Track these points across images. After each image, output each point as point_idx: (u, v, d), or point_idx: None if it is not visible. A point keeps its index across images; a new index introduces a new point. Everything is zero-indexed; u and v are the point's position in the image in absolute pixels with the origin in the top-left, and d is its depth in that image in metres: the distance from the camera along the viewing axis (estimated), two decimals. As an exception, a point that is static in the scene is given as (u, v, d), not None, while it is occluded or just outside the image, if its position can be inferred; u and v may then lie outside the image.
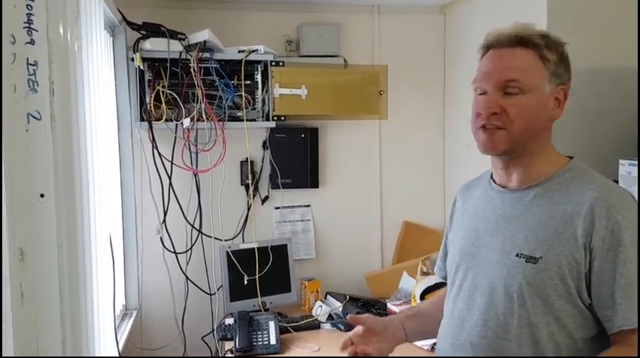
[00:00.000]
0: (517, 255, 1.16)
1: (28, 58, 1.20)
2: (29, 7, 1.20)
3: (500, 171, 1.28)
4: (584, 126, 2.31)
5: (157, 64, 2.55)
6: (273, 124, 2.74)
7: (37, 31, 1.21)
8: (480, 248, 1.25)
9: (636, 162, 1.91)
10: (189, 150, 2.72)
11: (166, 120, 2.56)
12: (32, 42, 1.20)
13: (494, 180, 1.31)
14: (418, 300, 2.37)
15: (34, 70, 1.20)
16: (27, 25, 1.20)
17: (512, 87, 1.17)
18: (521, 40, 1.21)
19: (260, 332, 2.39)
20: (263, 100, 2.74)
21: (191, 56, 2.54)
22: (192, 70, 2.55)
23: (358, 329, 1.38)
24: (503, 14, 2.64)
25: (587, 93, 2.30)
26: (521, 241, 1.16)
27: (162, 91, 2.54)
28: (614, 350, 1.10)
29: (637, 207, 1.12)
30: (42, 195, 1.22)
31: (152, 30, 2.52)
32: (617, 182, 2.01)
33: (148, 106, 2.54)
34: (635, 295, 1.06)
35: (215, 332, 2.67)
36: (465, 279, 1.27)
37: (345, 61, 2.95)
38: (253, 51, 2.66)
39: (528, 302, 1.14)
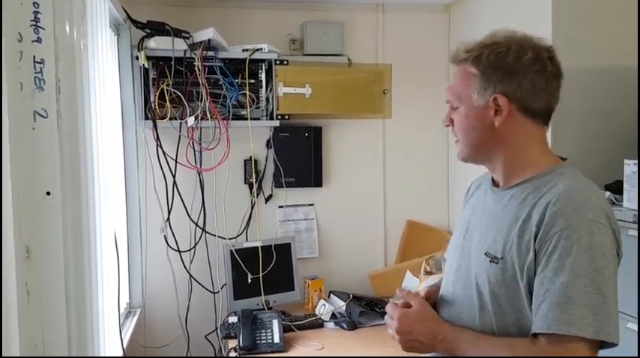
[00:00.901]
0: (485, 254, 1.19)
1: (34, 56, 1.20)
2: (36, 5, 1.20)
3: (490, 171, 1.33)
4: (589, 125, 2.31)
5: (161, 63, 2.56)
6: (277, 123, 2.75)
7: (43, 29, 1.21)
8: (468, 241, 1.29)
9: (641, 161, 1.91)
10: (194, 148, 2.72)
11: (171, 118, 2.56)
12: (39, 40, 1.21)
13: (493, 180, 1.34)
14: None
15: (40, 68, 1.21)
16: (34, 23, 1.20)
17: (452, 103, 1.27)
18: (454, 59, 1.27)
19: (264, 331, 2.40)
20: (267, 99, 2.74)
21: (195, 55, 2.54)
22: (196, 69, 2.55)
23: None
24: (508, 12, 2.63)
25: (593, 92, 2.30)
26: (491, 241, 1.20)
27: (167, 90, 2.54)
28: (522, 341, 1.13)
29: (597, 217, 1.10)
30: (48, 193, 1.22)
31: (157, 28, 2.52)
32: (621, 182, 2.00)
33: (153, 105, 2.55)
34: (557, 303, 1.06)
35: (219, 330, 2.68)
36: (455, 268, 1.31)
37: (349, 59, 2.95)
38: (257, 49, 2.66)
39: (490, 300, 1.17)
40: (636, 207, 1.89)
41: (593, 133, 2.30)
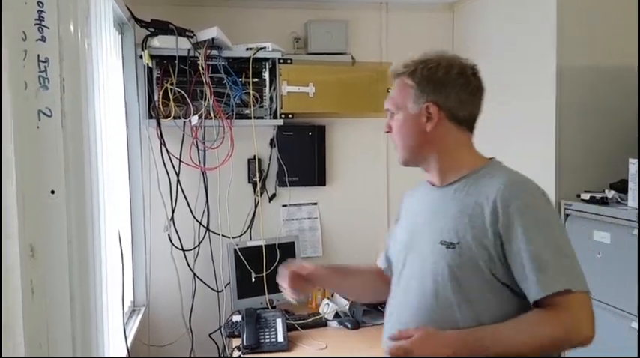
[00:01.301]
0: (440, 243, 1.30)
1: (39, 55, 1.21)
2: (40, 5, 1.20)
3: (426, 172, 1.47)
4: (592, 124, 2.30)
5: (165, 62, 2.56)
6: (280, 122, 2.75)
7: (48, 28, 1.21)
8: (417, 240, 1.40)
9: (646, 160, 1.90)
10: (197, 147, 2.73)
11: (174, 117, 2.56)
12: (43, 39, 1.21)
13: (429, 181, 1.48)
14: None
15: (45, 67, 1.21)
16: (38, 22, 1.20)
17: (391, 111, 1.43)
18: (393, 73, 1.45)
19: (267, 330, 2.40)
20: (271, 98, 2.75)
21: (199, 54, 2.54)
22: (200, 68, 2.55)
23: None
24: (512, 11, 2.63)
25: (596, 90, 2.30)
26: (444, 230, 1.31)
27: (171, 89, 2.55)
28: (536, 313, 1.22)
29: (538, 193, 1.29)
30: (52, 192, 1.22)
31: (160, 27, 2.52)
32: (626, 181, 2.00)
33: (157, 104, 2.55)
34: (543, 266, 1.20)
35: (222, 329, 2.68)
36: (404, 268, 1.42)
37: (352, 58, 2.95)
38: (261, 48, 2.66)
39: (450, 284, 1.28)
40: (641, 206, 1.88)
41: (597, 132, 2.30)
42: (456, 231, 1.29)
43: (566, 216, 2.23)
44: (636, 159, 1.93)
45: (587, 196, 2.15)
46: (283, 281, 1.59)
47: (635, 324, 1.86)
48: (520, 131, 2.56)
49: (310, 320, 2.57)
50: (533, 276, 1.20)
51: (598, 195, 2.11)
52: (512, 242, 1.23)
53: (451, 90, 1.37)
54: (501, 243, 1.24)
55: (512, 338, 1.22)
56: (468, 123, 1.42)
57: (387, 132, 1.45)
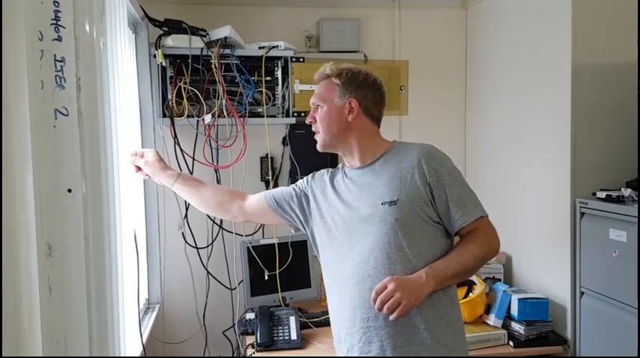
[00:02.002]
0: (382, 203, 1.64)
1: (55, 55, 1.21)
2: (56, 4, 1.21)
3: (346, 158, 1.81)
4: (609, 122, 2.28)
5: (178, 61, 2.57)
6: (293, 120, 2.75)
7: (64, 27, 1.22)
8: (352, 211, 1.70)
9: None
10: (210, 146, 2.74)
11: (188, 116, 2.58)
12: (59, 39, 1.22)
13: (346, 166, 1.82)
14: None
15: (61, 67, 1.21)
16: (54, 22, 1.21)
17: (317, 104, 1.77)
18: (320, 76, 1.80)
19: (281, 328, 2.41)
20: (283, 96, 2.75)
21: (212, 52, 2.55)
22: (213, 67, 2.56)
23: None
24: (526, 8, 2.60)
25: (613, 88, 2.27)
26: (383, 193, 1.65)
27: (184, 88, 2.56)
28: (464, 240, 1.67)
29: (444, 154, 1.72)
30: (69, 190, 1.23)
31: (174, 26, 2.54)
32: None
33: (170, 102, 2.56)
34: (463, 203, 1.64)
35: (236, 326, 2.69)
36: (353, 232, 1.69)
37: (365, 56, 2.94)
38: (274, 47, 2.66)
39: (399, 231, 1.61)
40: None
41: (613, 130, 2.27)
42: (392, 191, 1.64)
43: (582, 214, 2.21)
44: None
45: (603, 194, 2.13)
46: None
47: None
48: (535, 129, 2.54)
49: (324, 318, 2.57)
50: (456, 210, 1.63)
51: (614, 194, 2.09)
52: (439, 189, 1.63)
53: (368, 92, 1.75)
54: (431, 191, 1.63)
55: (457, 262, 1.62)
56: (377, 119, 1.80)
57: (311, 122, 1.79)
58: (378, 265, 1.62)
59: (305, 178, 1.94)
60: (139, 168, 2.01)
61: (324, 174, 1.89)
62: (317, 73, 1.80)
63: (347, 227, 1.71)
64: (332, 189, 1.81)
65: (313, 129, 1.80)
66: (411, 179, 1.64)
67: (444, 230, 1.68)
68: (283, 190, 1.96)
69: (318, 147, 1.80)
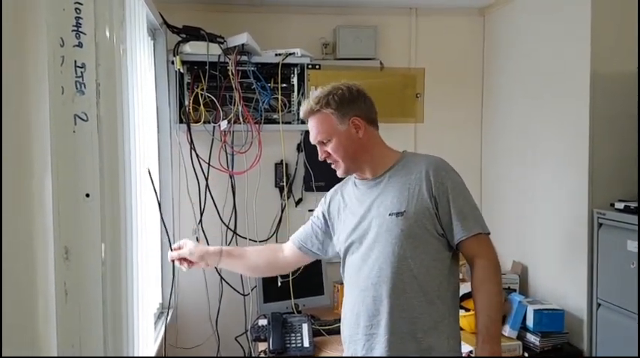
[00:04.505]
0: (390, 214, 1.67)
1: (76, 61, 1.23)
2: (78, 11, 1.23)
3: (359, 174, 1.81)
4: (627, 131, 2.24)
5: (196, 67, 2.59)
6: (308, 127, 2.74)
7: (85, 34, 1.23)
8: (367, 220, 1.72)
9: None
10: (226, 152, 2.75)
11: (204, 122, 2.59)
12: (80, 45, 1.23)
13: (357, 178, 1.83)
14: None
15: (81, 73, 1.23)
16: (75, 28, 1.23)
17: (323, 141, 1.75)
18: (308, 114, 1.76)
19: (293, 334, 2.40)
20: (299, 103, 2.75)
21: (229, 59, 2.56)
22: (230, 73, 2.57)
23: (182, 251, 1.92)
24: (544, 17, 2.59)
25: (631, 96, 2.24)
26: (391, 205, 1.68)
27: (201, 94, 2.58)
28: (477, 287, 1.67)
29: (451, 167, 1.74)
30: (87, 195, 1.24)
31: (192, 33, 2.56)
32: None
33: (187, 108, 2.58)
34: (465, 217, 1.66)
35: (249, 332, 2.69)
36: (364, 243, 1.72)
37: (381, 63, 2.94)
38: (290, 54, 2.67)
39: (405, 242, 1.64)
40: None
41: (632, 140, 2.24)
42: (400, 202, 1.67)
43: (600, 225, 2.18)
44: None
45: (621, 205, 2.10)
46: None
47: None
48: (553, 138, 2.51)
49: (336, 325, 2.54)
50: (458, 223, 1.65)
51: (632, 205, 2.06)
52: (443, 201, 1.66)
53: (360, 103, 1.75)
54: (436, 203, 1.66)
55: (491, 310, 1.63)
56: (376, 122, 1.81)
57: (325, 158, 1.77)
58: (382, 274, 1.66)
59: (320, 204, 1.97)
60: (184, 261, 1.93)
61: (337, 191, 1.92)
62: (303, 112, 1.79)
63: (360, 239, 1.74)
64: (344, 203, 1.85)
65: (329, 161, 1.79)
66: (419, 191, 1.67)
67: (447, 243, 1.70)
68: (305, 229, 1.99)
69: (342, 175, 1.81)
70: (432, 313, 1.66)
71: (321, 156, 1.79)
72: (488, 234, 1.70)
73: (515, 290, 2.67)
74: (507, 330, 2.43)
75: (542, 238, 2.62)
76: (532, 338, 2.37)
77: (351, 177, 1.87)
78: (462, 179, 1.74)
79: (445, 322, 1.68)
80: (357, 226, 1.76)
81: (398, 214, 1.66)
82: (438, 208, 1.66)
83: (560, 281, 2.50)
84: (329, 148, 1.74)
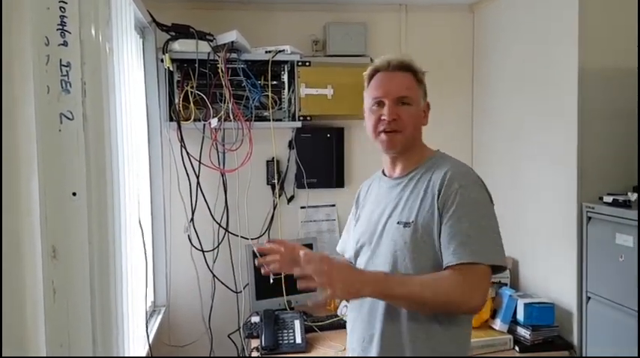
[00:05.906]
0: (398, 223, 1.54)
1: (61, 60, 1.22)
2: (62, 10, 1.22)
3: (389, 165, 1.68)
4: (617, 125, 2.26)
5: (185, 65, 2.59)
6: (299, 124, 2.75)
7: (70, 33, 1.23)
8: (378, 224, 1.61)
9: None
10: (217, 149, 2.75)
11: (194, 120, 2.59)
12: (65, 44, 1.23)
13: (384, 174, 1.71)
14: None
15: (66, 71, 1.23)
16: (60, 27, 1.22)
17: (405, 100, 1.57)
18: (405, 66, 1.60)
19: (286, 331, 2.41)
20: (289, 100, 2.75)
21: (219, 57, 2.56)
22: (219, 71, 2.57)
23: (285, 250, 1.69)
24: (533, 12, 2.60)
25: (620, 92, 2.26)
26: (400, 212, 1.56)
27: (191, 92, 2.58)
28: (446, 272, 1.43)
29: (474, 180, 1.52)
30: (74, 194, 1.24)
31: (181, 31, 2.55)
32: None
33: (177, 106, 2.58)
34: (464, 241, 1.42)
35: (241, 329, 2.70)
36: (370, 248, 1.61)
37: (371, 60, 2.93)
38: (280, 51, 2.67)
39: (407, 255, 1.50)
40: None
41: (620, 134, 2.25)
42: (411, 212, 1.53)
43: (589, 218, 2.20)
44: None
45: (609, 199, 2.11)
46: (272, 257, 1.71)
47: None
48: (542, 133, 2.53)
49: (328, 321, 2.57)
50: (451, 246, 1.43)
51: (621, 198, 2.07)
52: (446, 216, 1.46)
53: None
54: (440, 215, 1.47)
55: (414, 285, 1.42)
56: None
57: (393, 119, 1.55)
58: None
59: (354, 205, 1.85)
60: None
61: (362, 189, 1.83)
62: (398, 60, 1.59)
63: (368, 241, 1.63)
64: (367, 196, 1.76)
65: (389, 128, 1.56)
66: (430, 202, 1.50)
67: None
68: (344, 239, 1.88)
69: (393, 148, 1.59)
70: (430, 338, 1.49)
71: (390, 115, 1.55)
72: (489, 265, 1.42)
73: (505, 285, 2.68)
74: (498, 324, 2.45)
75: (533, 232, 2.63)
76: (523, 332, 2.39)
77: (379, 173, 1.74)
78: (484, 196, 1.51)
79: (447, 350, 1.50)
80: (366, 229, 1.65)
81: (406, 225, 1.51)
82: (442, 222, 1.47)
83: (550, 274, 2.52)
84: (405, 111, 1.56)
